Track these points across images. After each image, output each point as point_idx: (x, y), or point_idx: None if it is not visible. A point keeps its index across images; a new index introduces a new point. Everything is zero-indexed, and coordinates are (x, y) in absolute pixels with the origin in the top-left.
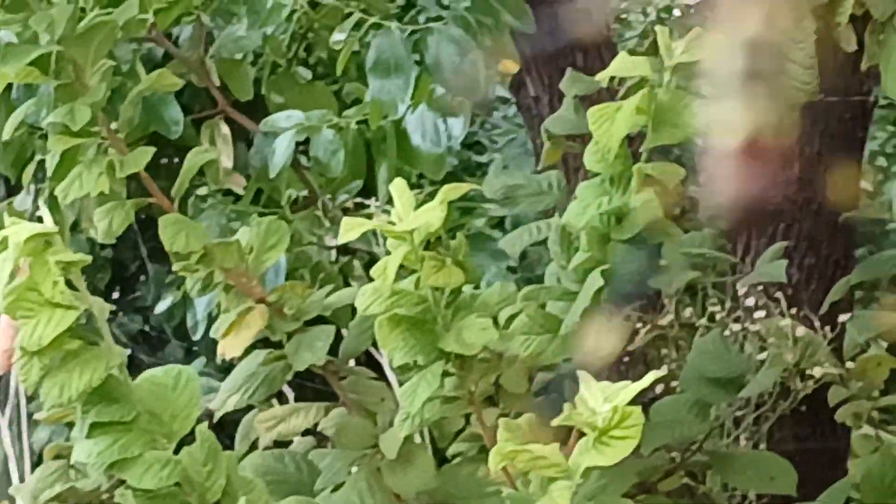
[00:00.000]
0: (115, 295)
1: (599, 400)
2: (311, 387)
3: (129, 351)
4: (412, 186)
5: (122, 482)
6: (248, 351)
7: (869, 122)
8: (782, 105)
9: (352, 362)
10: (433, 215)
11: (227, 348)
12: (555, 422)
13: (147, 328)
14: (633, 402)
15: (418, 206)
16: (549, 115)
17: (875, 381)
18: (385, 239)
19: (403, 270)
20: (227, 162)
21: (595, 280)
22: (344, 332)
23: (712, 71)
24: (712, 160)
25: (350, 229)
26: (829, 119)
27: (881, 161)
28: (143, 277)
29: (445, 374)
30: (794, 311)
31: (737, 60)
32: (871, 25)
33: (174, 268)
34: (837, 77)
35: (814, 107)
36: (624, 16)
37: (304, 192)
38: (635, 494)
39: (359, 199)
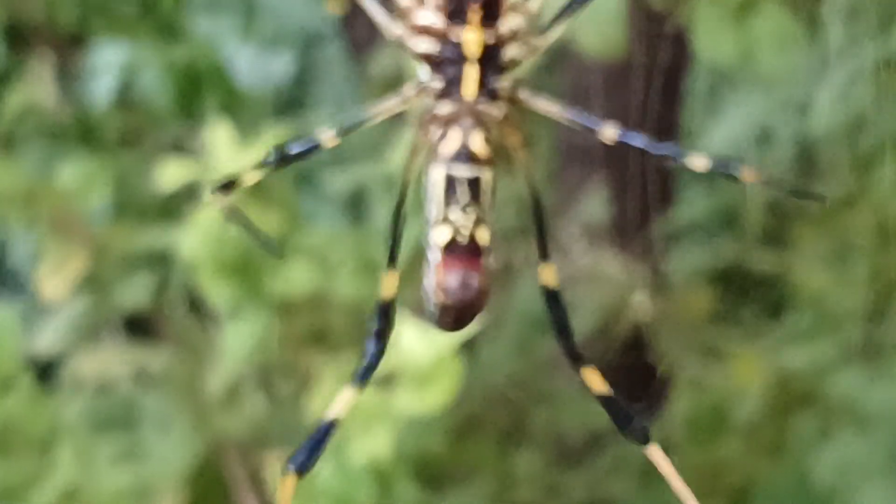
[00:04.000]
0: None
1: (421, 341)
2: (142, 328)
3: None
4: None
5: None
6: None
7: (689, 66)
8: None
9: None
10: (255, 157)
11: (50, 289)
12: None
13: None
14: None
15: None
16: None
17: (695, 316)
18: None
19: None
20: (50, 97)
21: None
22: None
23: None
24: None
25: (169, 175)
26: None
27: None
28: None
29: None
30: (616, 249)
31: None
32: None
33: None
34: (656, 22)
35: (633, 54)
36: None
37: (131, 129)
38: (464, 430)
39: (186, 136)
